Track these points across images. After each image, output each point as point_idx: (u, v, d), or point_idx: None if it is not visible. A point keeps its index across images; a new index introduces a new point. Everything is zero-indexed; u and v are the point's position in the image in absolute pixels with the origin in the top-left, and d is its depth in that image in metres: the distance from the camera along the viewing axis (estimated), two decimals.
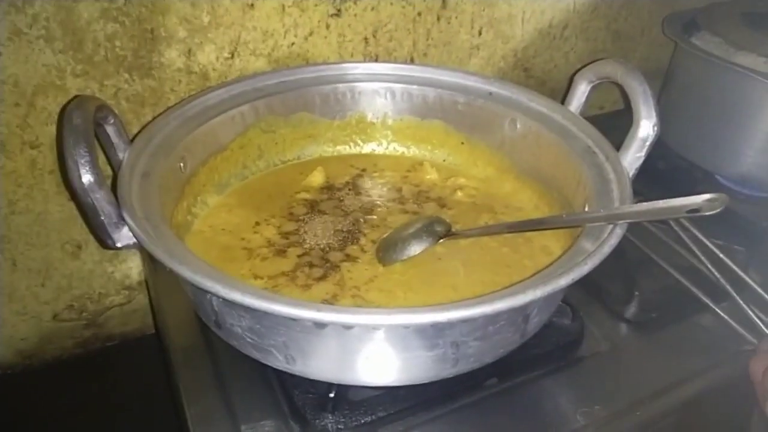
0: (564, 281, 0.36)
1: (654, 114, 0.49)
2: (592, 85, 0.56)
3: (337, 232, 0.56)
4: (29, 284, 0.64)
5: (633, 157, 0.50)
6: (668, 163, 0.75)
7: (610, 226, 0.42)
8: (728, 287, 0.55)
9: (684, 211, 0.39)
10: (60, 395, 0.69)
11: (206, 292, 0.37)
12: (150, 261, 0.62)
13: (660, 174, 0.73)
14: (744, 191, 0.71)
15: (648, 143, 0.49)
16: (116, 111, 0.58)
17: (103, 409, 0.70)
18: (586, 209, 0.48)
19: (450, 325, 0.37)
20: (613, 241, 0.40)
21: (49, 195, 0.61)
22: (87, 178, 0.38)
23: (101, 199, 0.39)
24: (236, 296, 0.35)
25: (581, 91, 0.57)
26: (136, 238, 0.39)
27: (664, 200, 0.40)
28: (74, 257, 0.65)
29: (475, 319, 0.35)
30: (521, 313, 0.41)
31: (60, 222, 0.62)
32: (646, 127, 0.49)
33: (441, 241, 0.53)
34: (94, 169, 0.38)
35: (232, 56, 0.63)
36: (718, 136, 0.72)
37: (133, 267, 0.69)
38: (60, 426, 0.69)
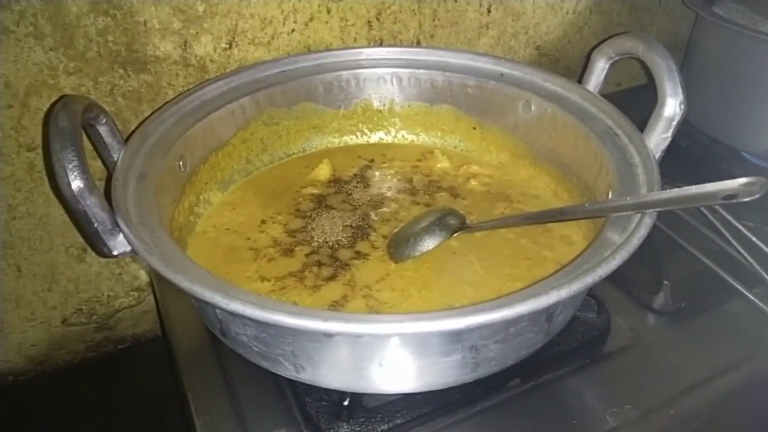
0: (591, 279, 0.34)
1: (680, 91, 0.46)
2: (611, 61, 0.53)
3: (346, 227, 0.54)
4: (35, 290, 0.63)
5: (658, 138, 0.46)
6: (691, 140, 0.72)
7: (638, 215, 0.39)
8: (761, 271, 0.52)
9: (719, 197, 0.35)
10: (74, 400, 0.69)
11: (207, 303, 0.34)
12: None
13: (682, 152, 0.69)
14: None
15: (675, 123, 0.46)
16: (112, 109, 0.57)
17: (118, 413, 0.69)
18: (610, 196, 0.45)
19: (468, 330, 0.34)
20: (643, 233, 0.37)
21: (49, 198, 0.59)
22: (76, 184, 0.36)
23: (93, 206, 0.37)
24: (237, 307, 0.33)
25: (600, 68, 0.53)
26: (131, 245, 0.37)
27: (697, 186, 0.37)
28: (80, 260, 0.64)
29: (495, 323, 0.32)
30: (545, 313, 0.38)
31: (63, 225, 0.61)
32: (672, 106, 0.46)
33: (455, 235, 0.50)
34: (84, 174, 0.36)
35: (230, 46, 0.60)
36: (743, 110, 0.68)
37: (141, 268, 0.67)
38: (74, 430, 0.68)
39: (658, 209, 0.38)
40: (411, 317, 0.32)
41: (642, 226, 0.38)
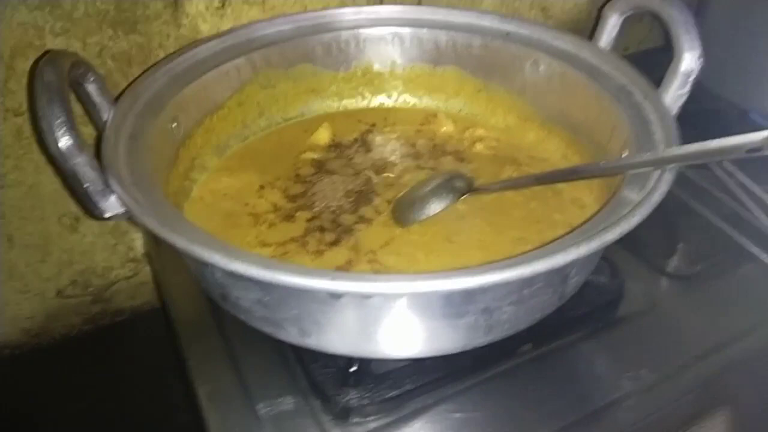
0: (611, 235, 0.32)
1: (698, 45, 0.44)
2: (624, 17, 0.50)
3: (348, 192, 0.52)
4: (29, 261, 0.61)
5: (675, 94, 0.45)
6: (697, 101, 0.70)
7: (657, 173, 0.37)
8: None
9: (743, 150, 0.34)
10: (71, 373, 0.67)
11: (206, 263, 0.33)
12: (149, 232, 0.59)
13: (690, 113, 0.67)
14: None
15: (692, 78, 0.44)
16: (102, 72, 0.54)
17: (116, 386, 0.68)
18: (624, 155, 0.43)
19: (482, 290, 0.33)
20: (664, 188, 0.35)
21: (39, 165, 0.57)
22: (64, 141, 0.34)
23: (83, 164, 0.35)
24: (238, 267, 0.31)
25: (612, 24, 0.51)
26: (124, 205, 0.35)
27: (719, 139, 0.35)
28: (73, 230, 0.62)
29: (510, 282, 0.31)
30: (560, 273, 0.36)
31: (54, 194, 0.59)
32: (689, 60, 0.44)
33: (463, 197, 0.48)
34: (72, 131, 0.34)
35: (223, 5, 0.57)
36: (754, 68, 0.66)
37: (137, 239, 0.65)
38: (72, 404, 0.67)
39: (680, 164, 0.37)
40: (424, 276, 0.31)
41: (662, 182, 0.36)
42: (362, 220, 0.49)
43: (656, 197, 0.35)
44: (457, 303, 0.35)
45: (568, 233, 0.36)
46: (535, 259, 0.31)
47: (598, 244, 0.32)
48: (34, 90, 0.35)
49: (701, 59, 0.44)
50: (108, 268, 0.66)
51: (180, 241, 0.32)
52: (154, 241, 0.58)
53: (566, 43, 0.53)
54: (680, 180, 0.57)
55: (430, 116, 0.61)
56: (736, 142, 0.34)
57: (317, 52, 0.58)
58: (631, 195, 0.37)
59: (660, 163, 0.38)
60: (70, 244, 0.62)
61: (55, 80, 0.35)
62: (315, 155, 0.56)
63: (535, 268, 0.30)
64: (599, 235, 0.32)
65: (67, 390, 0.66)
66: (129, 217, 0.36)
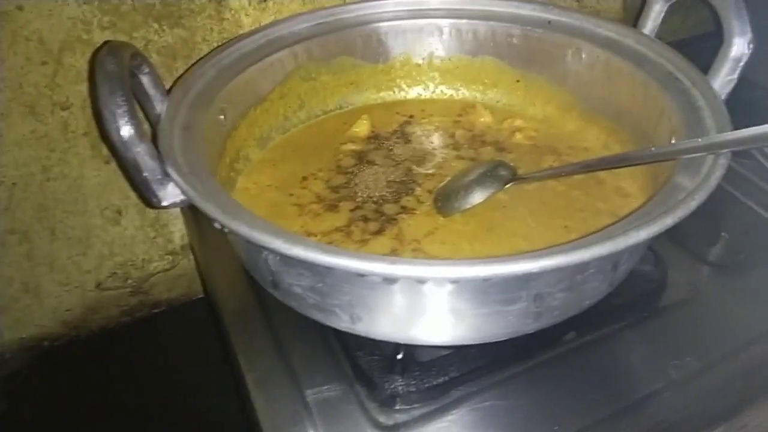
0: (670, 220, 0.32)
1: (748, 29, 0.43)
2: (669, 3, 0.50)
3: (389, 183, 0.52)
4: (70, 253, 0.62)
5: (724, 80, 0.44)
6: (738, 89, 0.69)
7: (710, 158, 0.37)
8: None
9: None
10: (109, 365, 0.68)
11: (264, 249, 0.33)
12: (194, 223, 0.59)
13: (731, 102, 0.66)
14: None
15: (741, 63, 0.44)
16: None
17: (154, 378, 0.69)
18: (673, 143, 0.43)
19: (537, 275, 0.33)
20: (719, 173, 0.35)
21: (84, 159, 0.58)
22: (126, 130, 0.35)
23: (143, 153, 0.36)
24: (299, 252, 0.31)
25: (656, 11, 0.51)
26: (184, 194, 0.36)
27: None
28: (115, 223, 0.63)
29: (566, 267, 0.31)
30: (613, 259, 0.36)
31: (97, 187, 0.60)
32: (739, 45, 0.43)
33: (506, 187, 0.48)
34: (134, 120, 0.35)
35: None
36: None
37: (175, 231, 0.66)
38: (112, 396, 0.68)
39: (735, 149, 0.36)
40: (482, 261, 0.31)
41: (718, 167, 0.36)
42: (405, 210, 0.49)
43: (713, 182, 0.35)
44: (510, 289, 0.35)
45: (613, 223, 0.36)
46: (595, 242, 0.31)
47: (658, 227, 0.32)
48: (96, 78, 0.35)
49: (752, 45, 0.43)
50: (147, 260, 0.67)
51: (242, 228, 0.32)
52: (198, 232, 0.59)
53: (609, 30, 0.53)
54: None
55: (467, 107, 0.61)
56: None
57: (357, 44, 0.59)
58: (685, 181, 0.37)
59: (714, 148, 0.37)
60: (111, 236, 0.63)
61: (117, 70, 0.36)
62: (355, 147, 0.57)
63: (595, 252, 0.30)
64: (659, 219, 0.32)
65: (104, 382, 0.67)
66: (187, 205, 0.37)
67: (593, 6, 0.76)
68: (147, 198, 0.38)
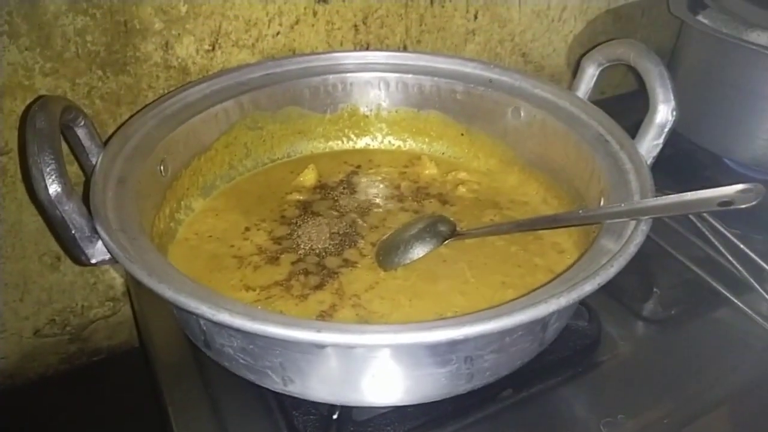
0: (590, 287, 0.33)
1: (672, 97, 0.46)
2: (601, 68, 0.53)
3: (333, 235, 0.53)
4: (7, 299, 0.60)
5: (650, 144, 0.46)
6: (674, 147, 0.72)
7: (633, 222, 0.39)
8: (750, 279, 0.51)
9: (715, 203, 0.35)
10: (46, 414, 0.66)
11: (192, 313, 0.33)
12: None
13: (666, 159, 0.69)
14: (757, 176, 0.68)
15: (666, 129, 0.46)
16: (90, 112, 0.54)
17: (92, 427, 0.67)
18: (602, 203, 0.45)
19: (466, 340, 0.33)
20: (639, 240, 0.37)
21: (22, 204, 0.56)
22: (54, 188, 0.34)
23: (71, 211, 0.35)
24: (225, 318, 0.31)
25: (589, 75, 0.53)
26: (110, 253, 0.35)
27: (693, 192, 0.37)
28: (53, 269, 0.61)
29: (489, 334, 0.31)
30: (541, 321, 0.37)
31: (36, 232, 0.58)
32: (664, 112, 0.46)
33: (446, 242, 0.49)
34: (62, 178, 0.34)
35: (213, 48, 0.59)
36: (728, 117, 0.68)
37: (117, 277, 0.65)
38: None
39: (654, 216, 0.38)
40: (408, 327, 0.31)
41: (638, 233, 0.37)
42: (347, 263, 0.50)
43: (632, 248, 0.36)
44: (440, 352, 0.35)
45: (549, 280, 0.37)
46: (517, 310, 0.32)
47: (577, 295, 0.33)
48: (26, 136, 0.35)
49: (675, 112, 0.46)
50: (87, 306, 0.65)
51: (167, 291, 0.32)
52: (135, 280, 0.57)
53: (546, 91, 0.55)
54: (656, 225, 0.58)
55: (414, 158, 0.62)
56: (709, 196, 0.36)
57: (305, 94, 0.59)
58: (609, 244, 0.38)
59: (636, 214, 0.39)
60: (50, 282, 0.61)
61: (47, 127, 0.35)
62: (301, 196, 0.57)
63: (518, 319, 0.31)
64: (578, 286, 0.33)
65: (42, 431, 0.65)
66: (114, 264, 0.37)
67: (538, 62, 0.79)
68: (75, 256, 0.37)
